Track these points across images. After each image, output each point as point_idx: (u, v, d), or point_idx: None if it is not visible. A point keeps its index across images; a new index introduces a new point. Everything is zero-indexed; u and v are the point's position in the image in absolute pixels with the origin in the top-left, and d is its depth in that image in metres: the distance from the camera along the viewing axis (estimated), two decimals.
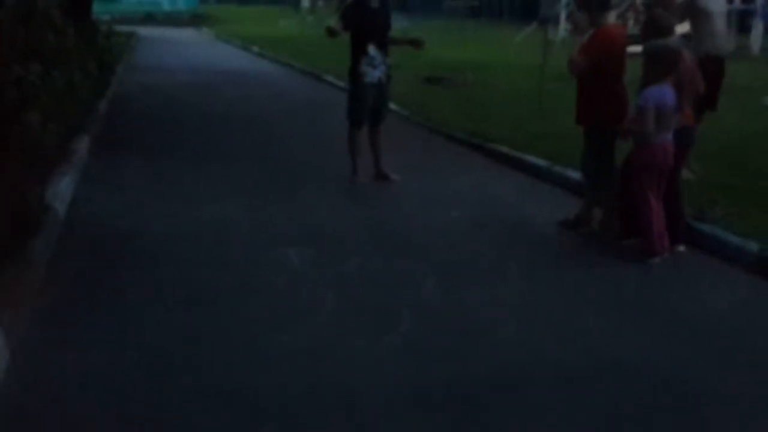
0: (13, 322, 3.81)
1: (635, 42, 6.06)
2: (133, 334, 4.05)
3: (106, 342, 3.95)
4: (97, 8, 17.42)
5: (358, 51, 7.09)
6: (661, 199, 5.32)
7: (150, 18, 44.45)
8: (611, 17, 5.96)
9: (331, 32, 7.00)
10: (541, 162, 7.77)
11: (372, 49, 7.05)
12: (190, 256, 5.32)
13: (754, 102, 11.82)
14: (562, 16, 26.80)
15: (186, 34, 35.25)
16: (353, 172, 7.39)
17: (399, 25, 27.91)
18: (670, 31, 5.47)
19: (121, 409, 3.33)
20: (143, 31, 32.18)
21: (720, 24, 7.12)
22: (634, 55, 6.02)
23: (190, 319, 4.26)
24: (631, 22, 21.25)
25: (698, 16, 6.83)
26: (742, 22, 24.54)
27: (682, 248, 5.42)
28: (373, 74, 7.10)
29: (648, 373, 3.73)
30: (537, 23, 20.21)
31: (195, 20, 44.90)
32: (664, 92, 5.23)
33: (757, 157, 7.73)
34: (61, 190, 6.15)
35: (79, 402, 3.38)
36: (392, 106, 8.85)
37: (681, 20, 6.86)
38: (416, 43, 7.51)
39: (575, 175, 6.68)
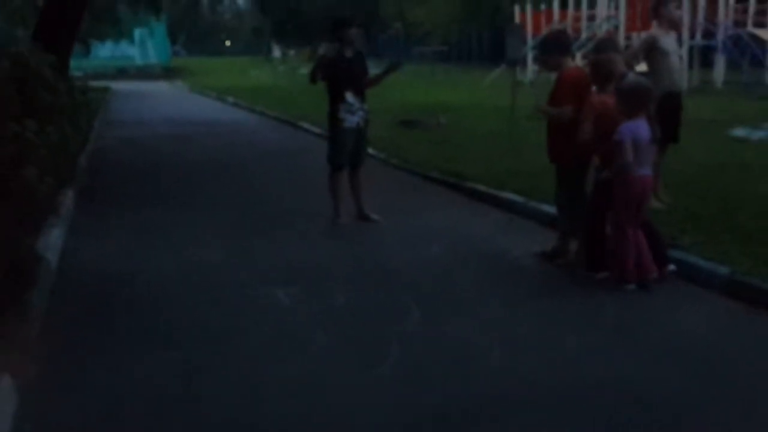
0: (18, 368, 3.94)
1: None
2: (132, 373, 4.19)
3: (107, 382, 4.08)
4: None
5: (336, 98, 7.37)
6: (639, 227, 5.49)
7: (122, 72, 44.80)
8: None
9: (314, 77, 7.37)
10: (516, 198, 8.02)
11: (350, 96, 7.33)
12: (180, 298, 5.47)
13: (718, 134, 12.25)
14: (529, 58, 27.51)
15: (160, 87, 35.59)
16: (335, 214, 7.60)
17: (371, 71, 28.16)
18: (612, 75, 5.73)
19: None
20: (117, 85, 32.47)
21: (675, 61, 7.48)
22: None
23: (186, 358, 4.40)
24: None
25: (656, 55, 7.17)
26: (704, 57, 25.33)
27: (672, 267, 5.63)
28: (351, 120, 7.37)
29: (627, 392, 3.91)
30: (505, 66, 20.71)
31: (168, 73, 45.33)
32: (639, 127, 5.43)
33: (722, 186, 8.04)
34: (52, 241, 6.29)
35: None
36: (370, 149, 9.08)
37: (640, 60, 7.21)
38: (393, 68, 7.74)
39: (550, 209, 6.92)
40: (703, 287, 5.43)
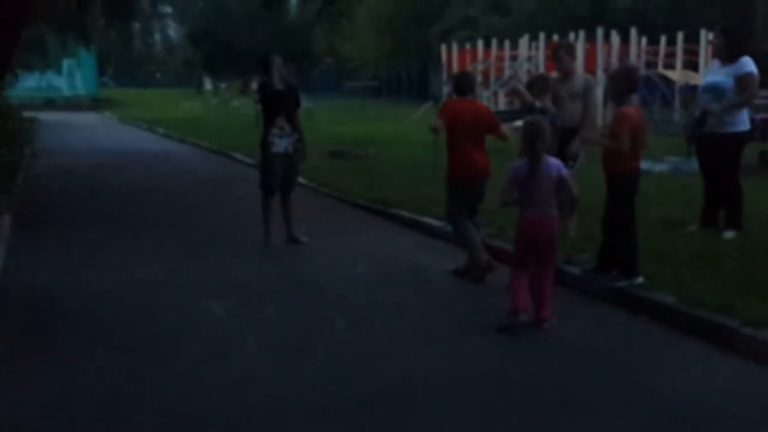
0: None
1: (507, 118, 7.16)
2: (78, 373, 4.64)
3: (56, 380, 4.51)
4: None
5: (268, 124, 8.03)
6: (545, 268, 5.60)
7: (50, 103, 44.26)
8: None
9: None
10: (435, 222, 8.67)
11: (280, 122, 8.01)
12: (119, 311, 5.87)
13: None
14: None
15: (88, 118, 35.42)
16: (266, 237, 8.11)
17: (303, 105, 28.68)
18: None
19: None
20: (44, 116, 32.14)
21: (566, 102, 8.21)
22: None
23: (128, 360, 4.85)
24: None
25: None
26: None
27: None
28: (280, 144, 8.00)
29: (514, 380, 4.57)
30: (432, 102, 21.60)
31: (96, 104, 44.96)
32: (520, 167, 5.52)
33: None
34: None
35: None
36: (300, 179, 9.62)
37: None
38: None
39: None
40: (591, 296, 6.15)
